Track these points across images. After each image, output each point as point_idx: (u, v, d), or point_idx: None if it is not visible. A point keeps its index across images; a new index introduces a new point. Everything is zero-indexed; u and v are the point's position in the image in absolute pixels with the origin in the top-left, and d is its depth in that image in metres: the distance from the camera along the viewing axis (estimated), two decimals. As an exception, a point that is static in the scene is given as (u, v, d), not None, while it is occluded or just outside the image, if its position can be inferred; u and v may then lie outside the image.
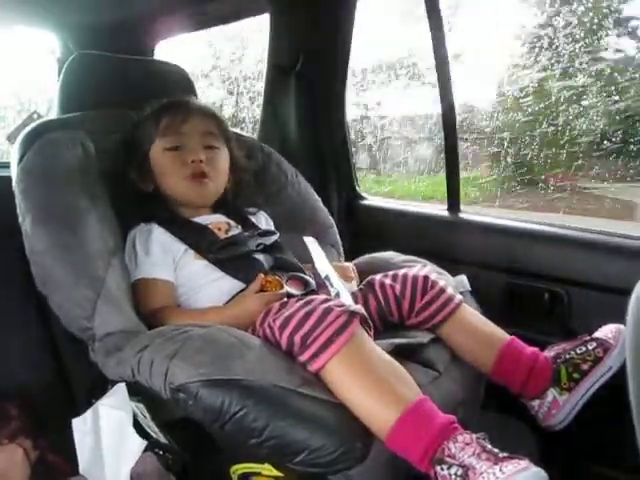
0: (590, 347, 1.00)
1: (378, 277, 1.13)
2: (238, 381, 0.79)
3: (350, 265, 1.23)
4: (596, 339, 1.02)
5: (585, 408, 0.98)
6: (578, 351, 1.01)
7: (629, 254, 1.22)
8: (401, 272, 1.12)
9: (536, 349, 1.03)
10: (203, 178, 1.12)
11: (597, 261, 1.27)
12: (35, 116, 1.72)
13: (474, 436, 0.77)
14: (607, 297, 1.17)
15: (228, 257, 1.08)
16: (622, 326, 1.01)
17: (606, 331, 1.03)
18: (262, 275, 1.04)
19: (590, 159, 1.98)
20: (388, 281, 1.11)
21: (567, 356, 1.00)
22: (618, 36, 1.99)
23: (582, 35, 1.85)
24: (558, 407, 0.99)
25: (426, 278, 1.08)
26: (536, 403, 1.01)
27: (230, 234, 1.15)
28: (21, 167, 1.04)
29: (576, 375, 0.98)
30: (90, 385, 1.00)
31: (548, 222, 1.42)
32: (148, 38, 2.03)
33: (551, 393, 0.99)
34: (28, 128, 1.12)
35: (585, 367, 0.99)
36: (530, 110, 2.05)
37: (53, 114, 1.26)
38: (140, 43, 1.97)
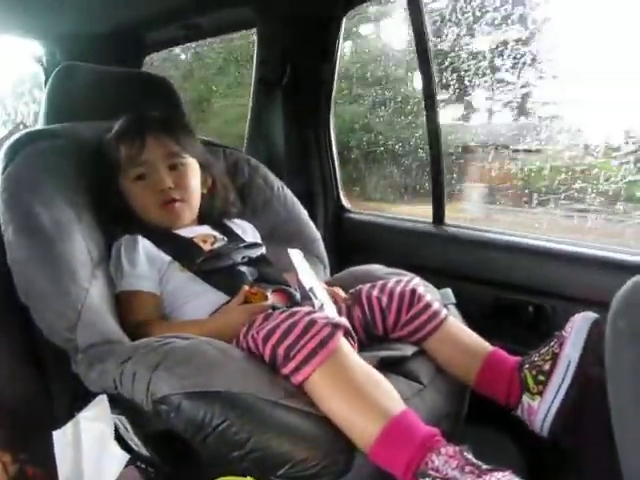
0: (550, 345, 0.99)
1: (365, 288, 1.13)
2: (220, 393, 0.78)
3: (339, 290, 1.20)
4: (556, 335, 1.00)
5: (567, 419, 0.97)
6: (541, 352, 0.99)
7: (613, 267, 1.22)
8: (389, 284, 1.11)
9: (519, 358, 1.02)
10: (174, 204, 1.12)
11: (581, 274, 1.27)
12: (21, 127, 1.72)
13: (457, 449, 0.76)
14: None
15: (212, 269, 1.07)
16: (581, 314, 0.99)
17: (568, 324, 1.01)
18: (246, 287, 1.04)
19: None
20: (375, 293, 1.10)
21: (531, 359, 0.99)
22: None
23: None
24: (534, 413, 0.96)
25: (413, 292, 1.08)
26: (519, 412, 1.00)
27: (215, 246, 1.14)
28: (5, 176, 1.03)
29: (541, 377, 0.96)
30: (72, 397, 0.99)
31: (533, 235, 1.43)
32: (137, 50, 2.04)
33: (525, 400, 0.98)
34: (13, 138, 1.12)
35: (547, 367, 0.97)
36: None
37: (39, 125, 1.26)
38: (129, 54, 1.98)
